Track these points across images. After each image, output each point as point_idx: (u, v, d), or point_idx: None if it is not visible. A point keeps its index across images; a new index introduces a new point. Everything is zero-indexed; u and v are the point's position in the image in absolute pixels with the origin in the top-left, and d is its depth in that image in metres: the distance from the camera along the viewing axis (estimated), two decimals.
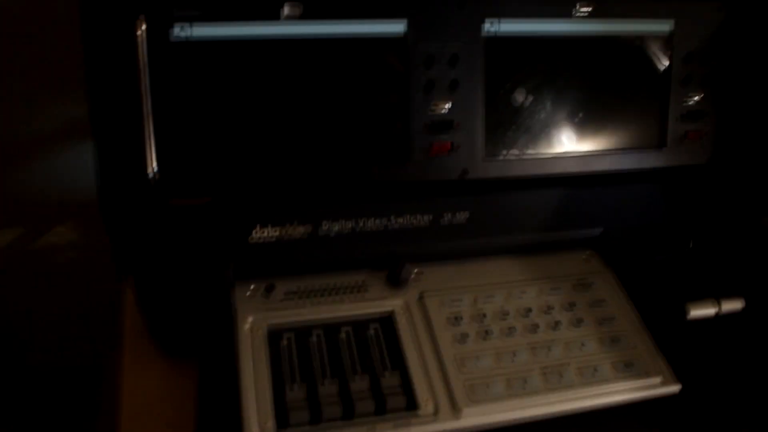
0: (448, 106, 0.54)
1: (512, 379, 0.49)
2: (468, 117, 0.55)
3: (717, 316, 0.53)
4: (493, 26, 0.54)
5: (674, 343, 0.52)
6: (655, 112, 0.59)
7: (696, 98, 0.59)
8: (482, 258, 0.58)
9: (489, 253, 0.58)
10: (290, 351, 0.49)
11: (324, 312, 0.52)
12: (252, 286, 0.53)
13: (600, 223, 0.59)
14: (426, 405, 0.47)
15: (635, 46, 0.57)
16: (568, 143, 0.57)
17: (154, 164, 0.49)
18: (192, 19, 0.49)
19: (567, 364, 0.50)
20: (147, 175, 0.49)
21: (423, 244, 0.56)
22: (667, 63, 0.58)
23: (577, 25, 0.55)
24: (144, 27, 0.47)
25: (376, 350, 0.50)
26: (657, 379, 0.50)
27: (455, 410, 0.47)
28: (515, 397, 0.48)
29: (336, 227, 0.54)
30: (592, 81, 0.57)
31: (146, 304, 0.52)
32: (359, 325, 0.52)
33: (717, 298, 0.53)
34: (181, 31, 0.48)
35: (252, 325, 0.50)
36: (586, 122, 0.57)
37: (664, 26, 0.57)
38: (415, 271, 0.56)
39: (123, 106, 0.48)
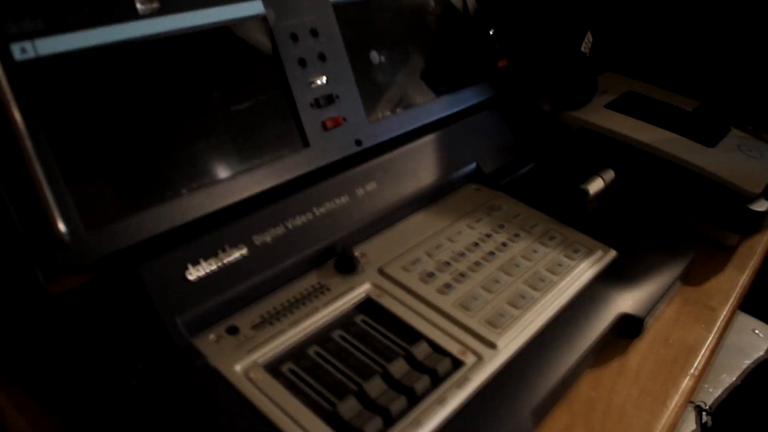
0: (324, 79, 0.51)
1: (512, 300, 0.49)
2: (346, 87, 0.53)
3: (606, 187, 0.60)
4: None
5: (586, 222, 0.58)
6: (468, 49, 0.65)
7: (492, 32, 0.67)
8: (398, 222, 0.56)
9: (402, 214, 0.57)
10: (299, 376, 0.41)
11: (305, 326, 0.45)
12: (211, 336, 0.43)
13: (469, 158, 0.63)
14: (466, 357, 0.44)
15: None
16: (420, 93, 0.59)
17: (62, 226, 0.37)
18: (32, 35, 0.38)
19: (537, 270, 0.52)
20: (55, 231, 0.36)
21: (351, 223, 0.52)
22: (462, 5, 0.64)
23: None
24: None
25: (381, 336, 0.45)
26: (600, 253, 0.55)
27: (492, 347, 0.45)
28: (526, 310, 0.48)
29: (268, 237, 0.47)
30: (415, 32, 0.60)
31: None
32: (345, 323, 0.46)
33: (597, 173, 0.60)
34: (23, 53, 0.37)
35: (245, 371, 0.41)
36: (425, 71, 0.60)
37: None
38: (356, 253, 0.51)
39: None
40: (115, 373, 0.39)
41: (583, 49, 0.70)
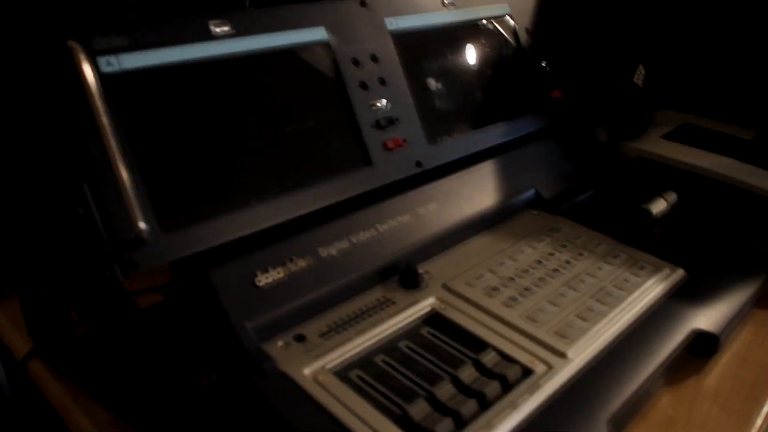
0: (385, 102, 0.53)
1: (580, 313, 0.48)
2: (405, 110, 0.54)
3: (670, 208, 0.59)
4: (392, 24, 0.56)
5: (650, 242, 0.57)
6: (524, 80, 0.66)
7: (545, 64, 0.68)
8: (459, 243, 0.56)
9: (464, 236, 0.57)
10: (368, 382, 0.41)
11: (371, 336, 0.44)
12: (280, 342, 0.43)
13: (529, 184, 0.63)
14: (536, 366, 0.43)
15: (489, 28, 0.64)
16: (479, 119, 0.61)
17: (142, 223, 0.38)
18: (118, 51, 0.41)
19: (604, 285, 0.51)
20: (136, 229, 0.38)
21: (414, 241, 0.52)
22: (513, 38, 0.66)
23: (450, 14, 0.60)
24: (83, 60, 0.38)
25: (448, 346, 0.44)
26: (667, 271, 0.54)
27: (562, 356, 0.44)
28: (595, 323, 0.47)
29: (334, 250, 0.48)
30: (475, 62, 0.62)
31: None
32: (412, 334, 0.46)
33: (660, 194, 0.60)
34: (108, 66, 0.40)
35: (313, 375, 0.41)
36: (485, 99, 0.62)
37: (501, 10, 0.66)
38: (420, 271, 0.51)
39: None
40: (186, 375, 0.40)
41: (636, 80, 0.71)
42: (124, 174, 0.38)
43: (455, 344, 0.44)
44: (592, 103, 0.71)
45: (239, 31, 0.46)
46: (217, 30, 0.45)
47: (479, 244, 0.56)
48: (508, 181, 0.61)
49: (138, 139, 0.40)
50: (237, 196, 0.44)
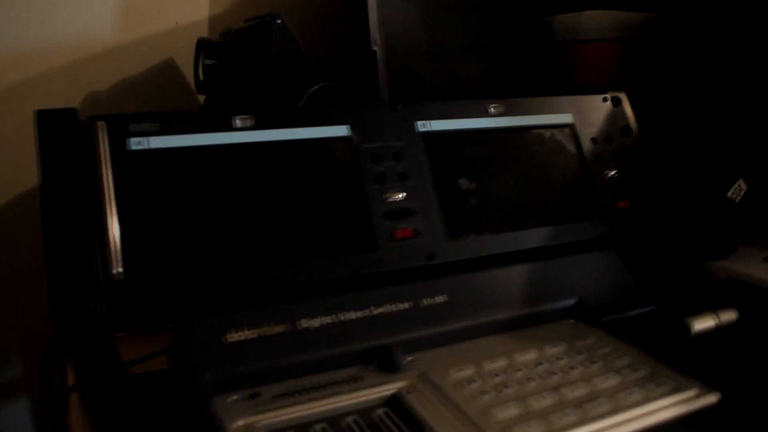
0: (402, 195, 0.56)
1: (550, 416, 0.43)
2: (424, 204, 0.57)
3: (717, 328, 0.52)
4: (425, 126, 0.60)
5: (690, 361, 0.50)
6: (582, 187, 0.64)
7: (612, 173, 0.65)
8: (470, 340, 0.55)
9: (474, 334, 0.55)
10: None
11: (323, 405, 0.45)
12: (234, 396, 0.46)
13: (572, 293, 0.59)
14: None
15: (547, 135, 0.65)
16: (517, 221, 0.60)
17: (120, 268, 0.46)
18: (149, 134, 0.50)
19: (597, 395, 0.46)
20: (112, 282, 0.45)
21: (407, 329, 0.52)
22: (576, 147, 0.65)
23: (494, 120, 0.63)
24: (104, 138, 0.48)
25: (394, 427, 0.43)
26: (692, 392, 0.46)
27: None
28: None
29: (316, 323, 0.50)
30: (523, 167, 0.62)
31: None
32: (365, 411, 0.46)
33: (713, 309, 0.52)
34: (138, 144, 0.50)
35: (244, 427, 0.43)
36: (528, 202, 0.61)
37: (564, 118, 0.66)
38: (408, 358, 0.51)
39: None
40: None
41: (731, 195, 0.65)
42: (116, 231, 0.46)
43: (401, 427, 0.43)
44: (670, 216, 0.65)
45: (261, 125, 0.54)
46: (240, 123, 0.53)
47: (490, 343, 0.54)
48: (545, 286, 0.59)
49: (159, 204, 0.48)
50: (231, 262, 0.50)
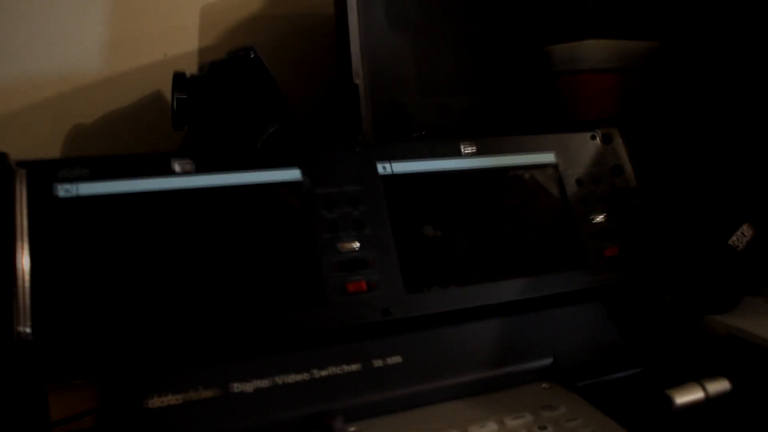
0: (356, 244, 0.52)
1: None
2: (381, 254, 0.52)
3: (707, 400, 0.46)
4: (386, 168, 0.55)
5: None
6: (565, 233, 0.58)
7: (599, 217, 0.60)
8: (425, 407, 0.50)
9: (430, 400, 0.50)
10: None
11: None
12: None
13: (548, 352, 0.54)
14: None
15: (526, 177, 0.59)
16: (489, 272, 0.55)
17: (28, 328, 0.42)
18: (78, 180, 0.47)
19: None
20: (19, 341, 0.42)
21: (354, 394, 0.48)
22: (559, 189, 0.60)
23: (466, 161, 0.58)
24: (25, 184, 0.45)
25: None
26: None
27: None
28: None
29: (250, 387, 0.46)
30: (498, 211, 0.57)
31: None
32: None
33: (700, 381, 0.46)
34: (65, 192, 0.47)
35: None
36: (502, 250, 0.56)
37: (547, 157, 0.61)
38: (351, 429, 0.47)
39: None
40: None
41: (734, 242, 0.58)
42: (26, 286, 0.43)
43: None
44: (663, 265, 0.59)
45: (202, 169, 0.50)
46: (180, 168, 0.50)
47: (447, 411, 0.49)
48: (516, 344, 0.53)
49: (84, 256, 0.45)
50: (160, 320, 0.46)
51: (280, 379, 0.47)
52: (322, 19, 0.89)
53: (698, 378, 0.47)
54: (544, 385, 0.52)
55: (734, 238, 0.58)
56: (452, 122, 0.77)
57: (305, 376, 0.48)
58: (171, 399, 0.44)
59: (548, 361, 0.53)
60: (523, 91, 0.79)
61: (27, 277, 0.43)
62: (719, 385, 0.47)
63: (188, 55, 0.88)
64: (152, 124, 0.85)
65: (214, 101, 0.70)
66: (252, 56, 0.69)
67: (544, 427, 0.46)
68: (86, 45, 0.83)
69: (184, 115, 0.72)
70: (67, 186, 0.47)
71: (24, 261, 0.44)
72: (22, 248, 0.44)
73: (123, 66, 0.86)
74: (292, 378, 0.47)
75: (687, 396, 0.46)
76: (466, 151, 0.58)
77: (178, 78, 0.72)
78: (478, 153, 0.58)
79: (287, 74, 0.92)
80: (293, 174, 0.52)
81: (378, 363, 0.49)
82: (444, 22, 0.78)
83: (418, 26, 0.76)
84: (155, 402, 0.44)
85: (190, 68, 0.77)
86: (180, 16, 0.88)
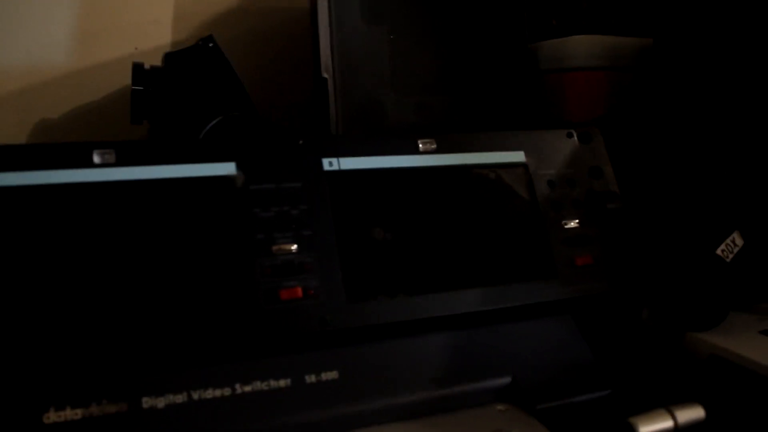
0: (293, 247, 0.47)
1: None
2: (321, 258, 0.47)
3: (676, 429, 0.40)
4: (332, 164, 0.50)
5: None
6: (533, 239, 0.53)
7: (572, 223, 0.54)
8: (365, 428, 0.44)
9: (366, 421, 0.45)
10: None
11: None
12: None
13: (507, 370, 0.48)
14: None
15: (491, 176, 0.54)
16: (446, 281, 0.50)
17: None
18: None
19: None
20: None
21: (281, 414, 0.43)
22: (528, 191, 0.54)
23: (424, 158, 0.53)
24: None
25: None
26: None
27: None
28: None
29: (162, 402, 0.41)
30: (458, 214, 0.52)
31: None
32: None
33: (668, 408, 0.41)
34: None
35: None
36: (461, 257, 0.51)
37: (516, 156, 0.55)
38: None
39: None
40: None
41: (722, 252, 0.52)
42: None
43: None
44: (641, 277, 0.53)
45: (124, 160, 0.46)
46: (99, 160, 0.45)
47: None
48: (471, 361, 0.48)
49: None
50: (68, 325, 0.42)
51: (196, 394, 0.42)
52: (298, 14, 0.85)
53: (668, 404, 0.42)
54: (499, 407, 0.47)
55: (723, 247, 0.52)
56: (432, 121, 0.72)
57: (226, 391, 0.43)
58: (70, 413, 0.40)
59: (506, 380, 0.48)
60: (508, 90, 0.74)
61: None
62: (692, 413, 0.41)
63: (160, 48, 0.85)
64: (121, 118, 0.81)
65: (173, 93, 0.66)
66: (210, 45, 0.65)
67: None
68: (55, 37, 0.80)
69: (142, 108, 0.68)
70: None
71: None
72: None
73: (93, 59, 0.83)
74: (211, 393, 0.42)
75: (653, 425, 0.40)
76: (424, 148, 0.53)
77: (137, 69, 0.68)
78: (439, 150, 0.53)
79: (265, 70, 0.88)
80: (227, 168, 0.48)
81: (311, 379, 0.44)
82: (423, 17, 0.73)
83: (396, 21, 0.72)
84: (51, 417, 0.39)
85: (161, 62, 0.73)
86: (152, 10, 0.85)
